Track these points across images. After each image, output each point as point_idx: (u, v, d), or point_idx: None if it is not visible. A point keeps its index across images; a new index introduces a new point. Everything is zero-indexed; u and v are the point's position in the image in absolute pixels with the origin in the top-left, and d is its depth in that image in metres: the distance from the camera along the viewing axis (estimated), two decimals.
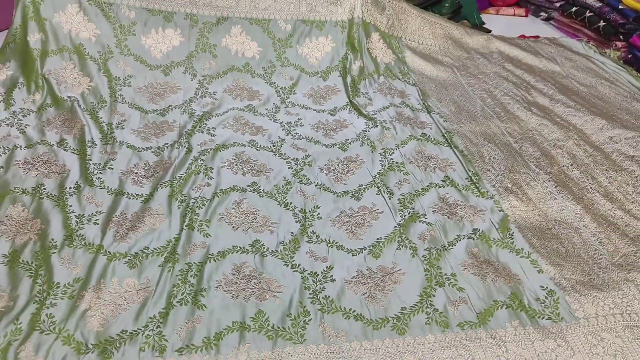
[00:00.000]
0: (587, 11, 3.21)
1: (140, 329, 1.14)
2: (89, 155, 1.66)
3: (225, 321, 1.18)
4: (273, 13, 2.17)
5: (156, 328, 1.14)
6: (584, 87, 2.52)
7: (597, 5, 3.15)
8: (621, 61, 2.89)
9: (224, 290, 1.25)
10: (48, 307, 1.16)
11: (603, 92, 2.49)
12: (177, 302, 1.21)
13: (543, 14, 3.64)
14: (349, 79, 2.18)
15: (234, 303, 1.22)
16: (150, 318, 1.17)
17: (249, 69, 2.14)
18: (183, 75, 2.06)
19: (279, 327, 1.17)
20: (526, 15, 3.67)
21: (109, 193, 1.53)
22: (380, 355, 1.14)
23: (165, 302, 1.21)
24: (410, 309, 1.25)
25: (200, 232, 1.42)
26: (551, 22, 3.58)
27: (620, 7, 3.01)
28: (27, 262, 1.27)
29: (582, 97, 2.41)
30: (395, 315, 1.23)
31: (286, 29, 2.18)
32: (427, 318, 1.23)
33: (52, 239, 1.33)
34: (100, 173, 1.60)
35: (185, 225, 1.43)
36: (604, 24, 3.07)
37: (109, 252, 1.32)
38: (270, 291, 1.26)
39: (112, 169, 1.63)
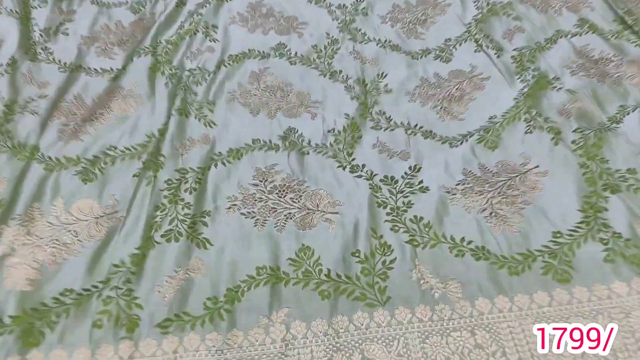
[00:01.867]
0: None
1: (97, 287, 0.65)
2: (34, 18, 1.10)
3: (243, 266, 0.67)
4: None
5: (124, 284, 0.65)
6: None
7: None
8: None
9: (242, 213, 0.74)
10: None
11: None
12: (162, 236, 0.71)
13: None
14: None
15: (259, 234, 0.71)
16: (116, 266, 0.67)
17: None
18: None
19: (338, 278, 0.66)
20: None
21: (62, 69, 0.99)
22: (529, 322, 0.62)
23: (142, 237, 0.70)
24: (571, 236, 0.70)
25: (199, 120, 0.88)
26: None
27: None
28: None
29: None
30: (545, 247, 0.69)
31: None
32: (607, 251, 0.68)
33: None
34: (48, 41, 1.05)
35: (176, 110, 0.89)
36: None
37: (49, 157, 0.81)
38: (319, 212, 0.74)
39: (68, 34, 1.07)
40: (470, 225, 0.71)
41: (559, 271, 0.66)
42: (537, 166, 0.80)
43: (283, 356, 0.59)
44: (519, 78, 0.96)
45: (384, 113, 0.90)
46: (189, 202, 0.74)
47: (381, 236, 0.70)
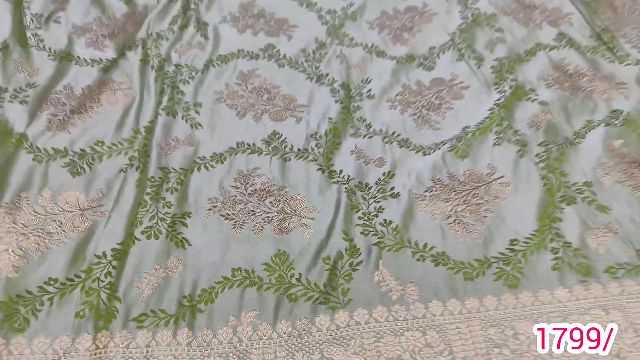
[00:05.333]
0: None
1: (79, 277, 0.69)
2: (28, 2, 1.12)
3: (219, 267, 0.72)
4: None
5: (105, 277, 0.69)
6: None
7: None
8: None
9: (221, 215, 0.78)
10: None
11: None
12: (142, 232, 0.75)
13: None
14: None
15: (237, 237, 0.75)
16: (98, 258, 0.71)
17: None
18: None
19: (307, 284, 0.71)
20: None
21: (51, 57, 1.01)
22: (477, 324, 0.67)
23: (125, 233, 0.75)
24: (525, 244, 0.75)
25: (186, 121, 0.91)
26: None
27: None
28: None
29: None
30: (502, 254, 0.74)
31: None
32: (555, 259, 0.74)
33: None
34: (40, 28, 1.07)
35: (163, 109, 0.92)
36: None
37: (37, 147, 0.84)
38: (297, 216, 0.78)
39: (59, 22, 1.09)
40: (434, 231, 0.76)
41: (510, 277, 0.71)
42: (502, 176, 0.85)
43: (248, 354, 0.64)
44: (496, 89, 1.00)
45: (365, 120, 0.94)
46: (169, 202, 0.78)
47: (352, 239, 0.75)
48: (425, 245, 0.75)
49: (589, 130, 0.92)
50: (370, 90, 1.00)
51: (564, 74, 1.05)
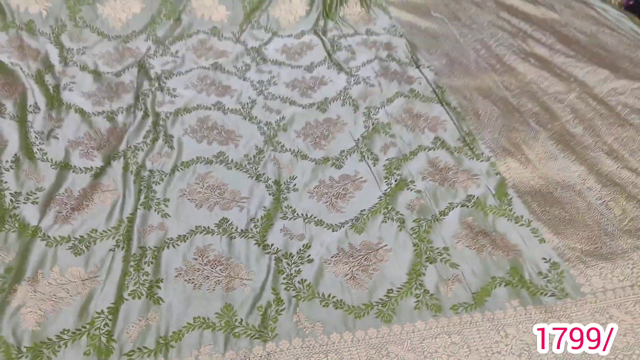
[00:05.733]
0: None
1: (85, 328, 0.98)
2: (30, 121, 1.45)
3: (184, 317, 1.02)
4: None
5: (104, 327, 0.98)
6: (585, 35, 2.31)
7: None
8: (622, 8, 2.67)
9: (185, 280, 1.09)
10: None
11: (605, 40, 2.28)
12: (129, 294, 1.05)
13: None
14: (327, 38, 2.03)
15: (196, 295, 1.06)
16: (98, 314, 1.01)
17: (216, 32, 2.00)
18: (145, 42, 1.91)
19: (247, 324, 1.02)
20: None
21: (53, 166, 1.33)
22: (362, 348, 1.00)
23: (115, 295, 1.04)
24: (398, 292, 1.10)
25: (158, 212, 1.24)
26: None
27: None
28: None
29: (583, 47, 2.21)
30: (381, 300, 1.09)
31: None
32: (417, 301, 1.09)
33: None
34: (42, 143, 1.39)
35: (141, 204, 1.25)
36: None
37: (48, 236, 1.14)
38: (239, 279, 1.10)
39: (58, 138, 1.42)
40: (336, 286, 1.10)
41: (386, 315, 1.05)
42: (386, 245, 1.21)
43: None
44: (385, 182, 1.39)
45: (291, 207, 1.30)
46: (147, 272, 1.09)
47: (278, 293, 1.07)
48: (329, 296, 1.08)
49: (450, 210, 1.31)
50: (295, 185, 1.36)
51: (436, 168, 1.46)
